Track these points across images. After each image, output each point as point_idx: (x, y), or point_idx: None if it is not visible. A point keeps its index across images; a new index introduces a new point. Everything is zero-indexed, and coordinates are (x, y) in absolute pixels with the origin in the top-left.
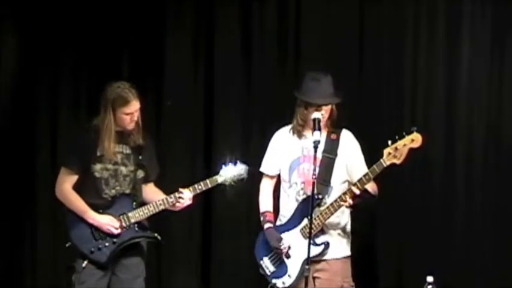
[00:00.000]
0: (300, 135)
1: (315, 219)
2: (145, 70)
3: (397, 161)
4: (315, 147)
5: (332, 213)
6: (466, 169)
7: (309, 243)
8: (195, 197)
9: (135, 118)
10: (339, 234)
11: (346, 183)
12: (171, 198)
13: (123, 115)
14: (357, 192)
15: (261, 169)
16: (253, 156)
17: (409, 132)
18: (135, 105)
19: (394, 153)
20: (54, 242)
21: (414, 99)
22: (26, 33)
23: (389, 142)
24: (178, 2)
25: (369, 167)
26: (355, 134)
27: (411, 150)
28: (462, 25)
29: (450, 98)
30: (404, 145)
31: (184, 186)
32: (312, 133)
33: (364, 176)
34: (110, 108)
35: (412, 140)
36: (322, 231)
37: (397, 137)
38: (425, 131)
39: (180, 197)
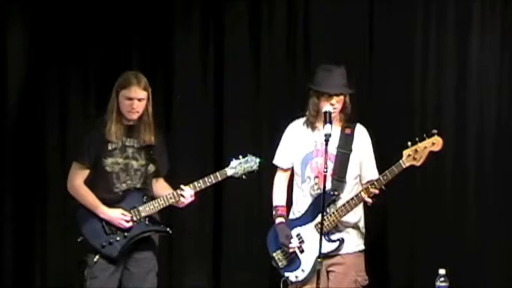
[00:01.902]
0: (313, 127)
1: (330, 215)
2: (154, 67)
3: (417, 163)
4: (326, 141)
5: (348, 211)
6: (477, 164)
7: (321, 237)
8: (200, 193)
9: (136, 107)
10: (353, 229)
11: (358, 178)
12: (171, 197)
13: (124, 99)
14: (376, 192)
15: (274, 161)
16: (263, 151)
17: (430, 135)
18: (135, 91)
19: (414, 155)
20: (64, 239)
21: (424, 95)
22: (35, 30)
23: (409, 143)
24: (188, 1)
25: (378, 163)
26: (365, 128)
27: (431, 153)
28: (472, 20)
29: (460, 93)
30: (425, 147)
31: (194, 181)
32: (323, 126)
33: (383, 176)
34: (115, 90)
35: (433, 143)
36: (337, 228)
37: (417, 139)
38: (436, 127)
39: (181, 195)
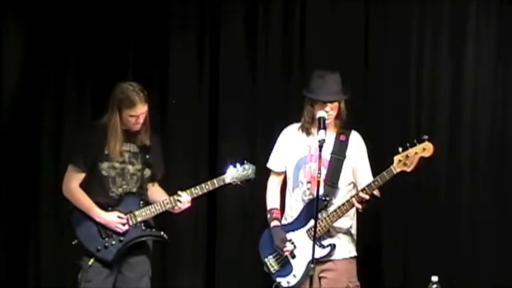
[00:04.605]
0: (308, 132)
1: (321, 221)
2: (150, 69)
3: (407, 169)
4: (320, 147)
5: (340, 217)
6: (471, 169)
7: (314, 243)
8: (196, 199)
9: (141, 120)
10: (345, 235)
11: (352, 185)
12: (167, 203)
13: (128, 117)
14: (366, 197)
15: (268, 165)
16: (258, 155)
17: (421, 141)
18: (140, 109)
19: (405, 160)
20: (58, 241)
21: (419, 99)
22: (30, 33)
23: (400, 149)
24: (184, 1)
25: (373, 169)
26: (360, 133)
27: (422, 158)
28: (467, 23)
29: (455, 98)
30: (416, 153)
31: (189, 187)
32: (317, 132)
33: (374, 182)
34: (116, 108)
35: (424, 149)
36: (329, 233)
37: (408, 145)
38: (430, 131)
39: (178, 200)
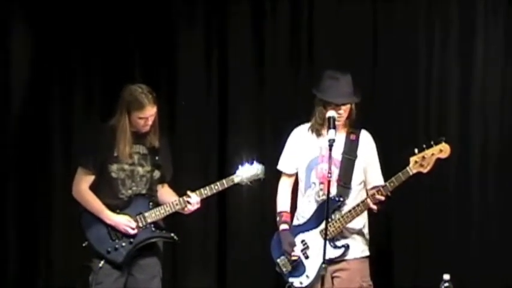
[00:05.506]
0: (318, 133)
1: (335, 221)
2: (157, 70)
3: (424, 170)
4: (330, 146)
5: (354, 218)
6: (480, 169)
7: (325, 243)
8: (206, 199)
9: (150, 122)
10: (358, 235)
11: (362, 184)
12: (177, 204)
13: (137, 119)
14: (382, 198)
15: (279, 167)
16: (268, 156)
17: (437, 142)
18: (149, 111)
19: (421, 162)
20: (68, 242)
21: (428, 98)
22: (39, 33)
23: (416, 150)
24: (191, 1)
25: (382, 168)
26: (369, 133)
27: (438, 160)
28: (476, 22)
29: (464, 97)
30: (433, 154)
31: (198, 187)
32: (327, 132)
33: (389, 183)
34: (125, 110)
35: (441, 150)
36: (342, 234)
37: (424, 146)
38: (439, 130)
39: (187, 201)
